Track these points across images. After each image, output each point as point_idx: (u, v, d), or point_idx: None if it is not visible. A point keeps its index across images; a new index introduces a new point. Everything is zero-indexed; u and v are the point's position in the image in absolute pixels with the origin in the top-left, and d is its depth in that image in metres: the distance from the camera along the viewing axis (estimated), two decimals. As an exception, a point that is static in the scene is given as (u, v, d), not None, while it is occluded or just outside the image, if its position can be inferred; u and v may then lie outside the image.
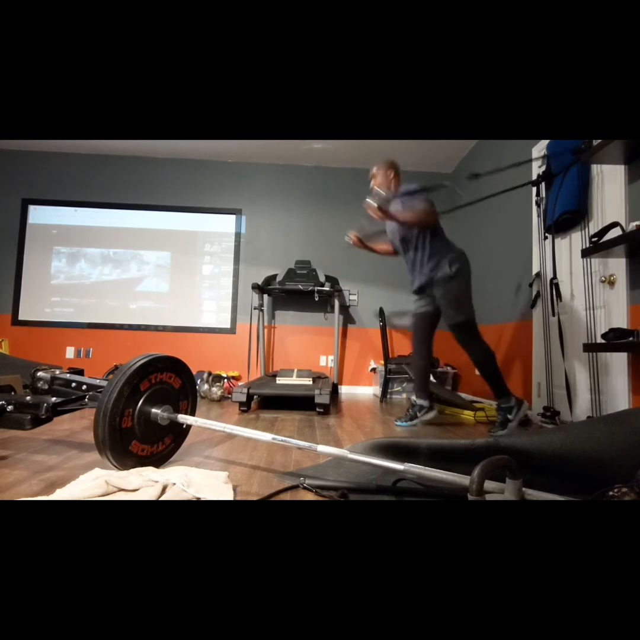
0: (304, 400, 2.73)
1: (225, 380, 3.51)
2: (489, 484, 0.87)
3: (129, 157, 4.43)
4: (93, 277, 4.39)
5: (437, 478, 1.00)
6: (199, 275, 4.44)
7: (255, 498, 1.14)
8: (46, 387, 1.65)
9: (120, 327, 4.33)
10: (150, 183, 4.45)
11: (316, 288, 3.88)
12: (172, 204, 4.43)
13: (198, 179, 4.47)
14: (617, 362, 2.00)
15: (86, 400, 1.55)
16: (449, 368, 4.04)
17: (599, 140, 1.89)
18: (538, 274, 2.67)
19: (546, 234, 2.52)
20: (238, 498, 1.14)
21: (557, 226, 2.38)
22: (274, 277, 4.10)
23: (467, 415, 2.74)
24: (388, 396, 3.78)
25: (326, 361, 4.34)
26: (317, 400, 2.64)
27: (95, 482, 1.07)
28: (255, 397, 2.94)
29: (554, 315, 2.38)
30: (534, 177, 2.67)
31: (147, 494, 1.04)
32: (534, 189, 2.64)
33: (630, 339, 1.75)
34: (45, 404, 1.40)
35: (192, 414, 1.55)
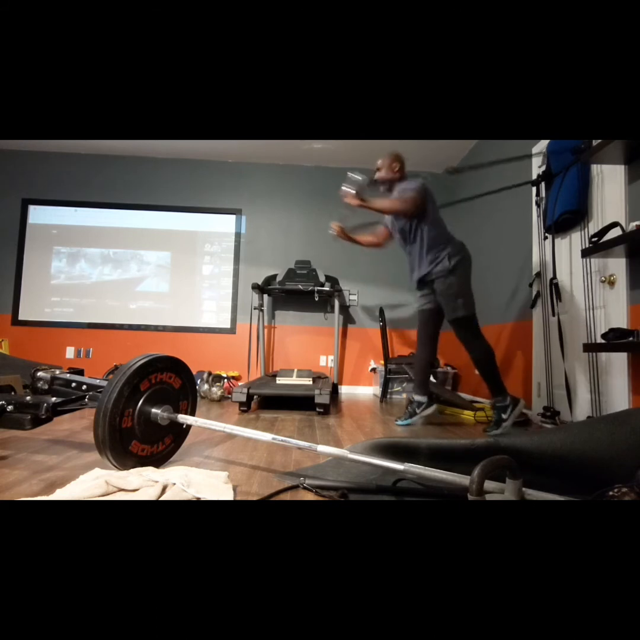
0: (304, 400, 2.73)
1: (225, 380, 3.51)
2: (489, 484, 0.87)
3: (129, 157, 4.43)
4: (93, 277, 4.39)
5: (437, 478, 1.00)
6: (199, 275, 4.44)
7: (255, 498, 1.14)
8: (46, 387, 1.65)
9: (120, 327, 4.33)
10: (150, 183, 4.45)
11: (316, 288, 3.88)
12: (172, 204, 4.43)
13: (198, 179, 4.47)
14: (617, 362, 2.00)
15: (86, 400, 1.55)
16: (449, 368, 4.04)
17: (599, 140, 1.89)
18: (538, 274, 2.67)
19: (546, 234, 2.52)
20: (238, 498, 1.14)
21: (557, 226, 2.38)
22: (274, 277, 4.10)
23: (467, 415, 2.74)
24: (388, 396, 3.78)
25: (326, 361, 4.34)
26: (317, 400, 2.64)
27: (95, 482, 1.07)
28: (255, 397, 2.94)
29: (554, 315, 2.38)
30: (534, 176, 2.67)
31: (147, 494, 1.04)
32: (534, 189, 2.64)
33: (630, 339, 1.75)
34: (45, 404, 1.40)
35: (192, 414, 1.55)
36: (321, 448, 1.19)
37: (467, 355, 2.35)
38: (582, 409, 2.24)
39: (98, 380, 1.67)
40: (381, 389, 3.67)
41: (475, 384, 3.51)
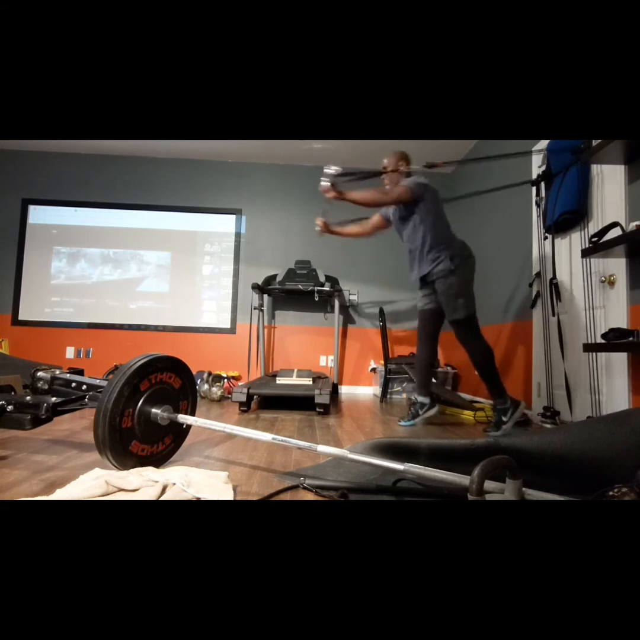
0: (304, 400, 2.73)
1: (225, 380, 3.51)
2: (489, 484, 0.87)
3: (129, 157, 4.43)
4: (94, 277, 4.39)
5: (437, 478, 1.00)
6: (199, 275, 4.44)
7: (255, 498, 1.14)
8: (46, 387, 1.65)
9: (120, 327, 4.33)
10: (150, 183, 4.45)
11: (316, 288, 3.88)
12: (172, 204, 4.43)
13: (198, 179, 4.47)
14: (617, 362, 2.00)
15: (86, 400, 1.54)
16: (449, 368, 4.04)
17: (599, 140, 1.89)
18: (538, 274, 2.67)
19: (546, 234, 2.52)
20: (238, 498, 1.14)
21: (557, 226, 2.38)
22: (274, 277, 4.10)
23: (467, 415, 2.74)
24: (388, 396, 3.78)
25: (326, 361, 4.34)
26: (317, 400, 2.64)
27: (95, 482, 1.07)
28: (255, 397, 2.94)
29: (553, 315, 2.38)
30: (534, 176, 2.67)
31: (147, 494, 1.04)
32: (534, 189, 2.64)
33: (630, 339, 1.75)
34: (45, 404, 1.40)
35: (192, 414, 1.55)
36: (321, 448, 1.19)
37: (467, 355, 2.35)
38: (582, 409, 2.24)
39: (98, 380, 1.67)
40: (381, 389, 3.67)
41: (475, 384, 3.51)
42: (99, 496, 1.04)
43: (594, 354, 2.09)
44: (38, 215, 4.39)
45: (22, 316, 4.28)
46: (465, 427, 2.45)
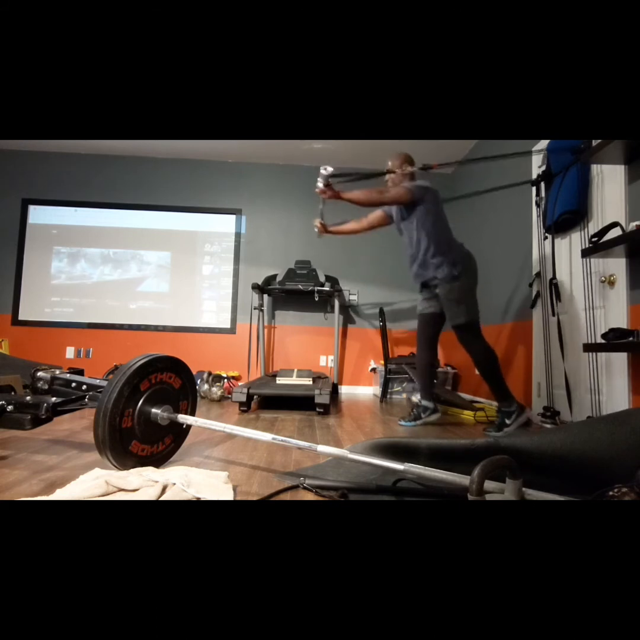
0: (304, 400, 2.73)
1: (225, 380, 3.51)
2: (489, 484, 0.87)
3: (129, 157, 4.43)
4: (94, 277, 4.39)
5: (437, 478, 1.00)
6: (199, 275, 4.44)
7: (255, 498, 1.14)
8: (46, 387, 1.65)
9: (120, 327, 4.33)
10: (150, 183, 4.45)
11: (316, 288, 3.88)
12: (172, 204, 4.43)
13: (198, 179, 4.47)
14: (617, 362, 2.00)
15: (86, 400, 1.54)
16: (449, 368, 4.04)
17: (599, 140, 1.89)
18: (538, 274, 2.67)
19: (546, 234, 2.52)
20: (238, 498, 1.14)
21: (557, 226, 2.38)
22: (274, 277, 4.10)
23: (467, 415, 2.74)
24: (388, 396, 3.78)
25: (326, 361, 4.34)
26: (317, 400, 2.64)
27: (95, 482, 1.07)
28: (255, 397, 2.94)
29: (553, 315, 2.38)
30: (534, 176, 2.67)
31: (147, 494, 1.04)
32: (534, 189, 2.64)
33: (630, 339, 1.75)
34: (45, 404, 1.40)
35: (192, 414, 1.55)
36: (321, 448, 1.19)
37: (467, 355, 2.35)
38: (582, 409, 2.24)
39: (98, 380, 1.67)
40: (381, 389, 3.67)
41: (475, 384, 3.51)
42: (99, 496, 1.04)
43: (594, 354, 2.09)
44: (38, 215, 4.39)
45: (22, 316, 4.28)
46: (465, 427, 2.45)
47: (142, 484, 1.08)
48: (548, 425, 2.27)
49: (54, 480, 1.24)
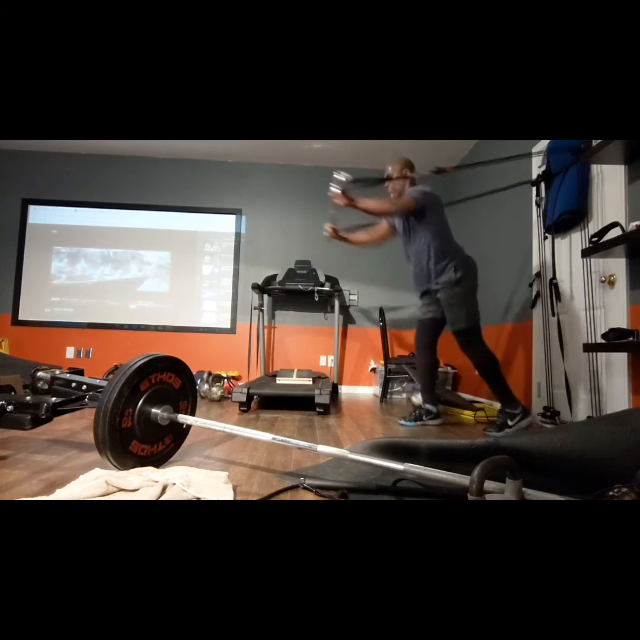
0: (304, 400, 2.73)
1: (225, 380, 3.51)
2: (489, 484, 0.87)
3: (129, 157, 4.43)
4: (95, 278, 4.39)
5: (437, 478, 1.00)
6: (199, 275, 4.45)
7: (255, 498, 1.14)
8: (46, 387, 1.65)
9: (120, 327, 4.33)
10: (150, 183, 4.45)
11: (316, 288, 3.88)
12: (172, 204, 4.43)
13: (198, 179, 4.47)
14: (617, 362, 2.00)
15: (86, 400, 1.54)
16: (449, 368, 4.04)
17: (599, 140, 1.89)
18: (538, 274, 2.67)
19: (546, 234, 2.52)
20: (238, 498, 1.14)
21: (557, 226, 2.38)
22: (274, 277, 4.10)
23: (467, 415, 2.74)
24: (388, 396, 3.78)
25: (326, 361, 4.34)
26: (317, 400, 2.64)
27: (95, 482, 1.07)
28: (255, 397, 2.94)
29: (553, 315, 2.38)
30: (534, 177, 2.67)
31: (147, 494, 1.04)
32: (534, 189, 2.64)
33: (630, 339, 1.75)
34: (45, 404, 1.40)
35: (192, 414, 1.55)
36: (321, 448, 1.19)
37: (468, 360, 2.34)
38: (582, 409, 2.24)
39: (98, 380, 1.67)
40: (381, 389, 3.67)
41: (475, 384, 3.51)
42: (99, 496, 1.04)
43: (594, 354, 2.09)
44: (38, 215, 4.39)
45: (22, 316, 4.28)
46: (465, 427, 2.45)
47: (142, 484, 1.08)
48: (548, 425, 2.27)
49: (54, 480, 1.24)
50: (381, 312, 3.80)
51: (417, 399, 2.76)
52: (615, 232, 1.84)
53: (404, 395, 3.81)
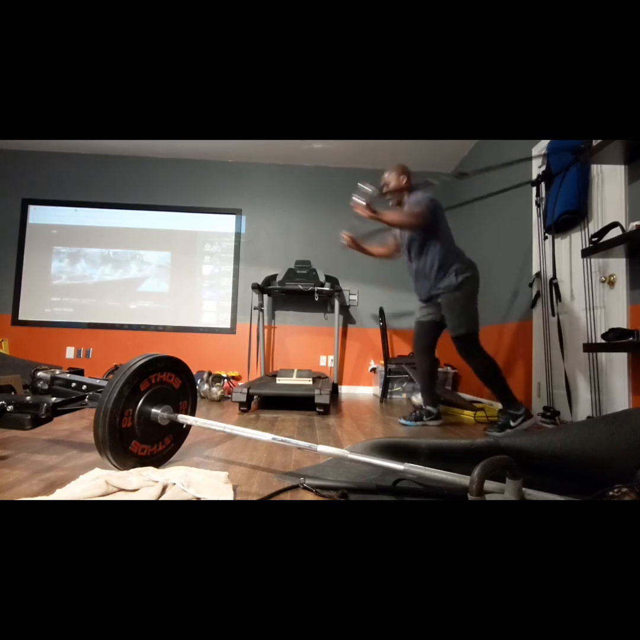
0: (304, 400, 2.73)
1: (225, 380, 3.51)
2: (489, 484, 0.87)
3: (129, 157, 4.43)
4: (95, 278, 4.39)
5: (437, 478, 1.00)
6: (199, 275, 4.45)
7: (255, 498, 1.14)
8: (46, 387, 1.65)
9: (120, 327, 4.33)
10: (150, 183, 4.45)
11: (316, 288, 3.88)
12: (172, 204, 4.43)
13: (198, 179, 4.47)
14: (617, 362, 2.00)
15: (86, 400, 1.54)
16: (449, 368, 4.03)
17: (599, 140, 1.89)
18: (538, 274, 2.67)
19: (546, 234, 2.52)
20: (238, 498, 1.14)
21: (557, 226, 2.38)
22: (274, 277, 4.10)
23: (467, 415, 2.74)
24: (388, 396, 3.78)
25: (326, 361, 4.34)
26: (317, 400, 2.64)
27: (95, 482, 1.07)
28: (255, 397, 2.94)
29: (553, 315, 2.38)
30: (534, 177, 2.67)
31: (147, 494, 1.04)
32: (534, 189, 2.64)
33: (630, 339, 1.75)
34: (45, 404, 1.40)
35: (192, 414, 1.55)
36: (321, 448, 1.19)
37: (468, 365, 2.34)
38: (582, 409, 2.24)
39: (98, 380, 1.67)
40: (381, 389, 3.67)
41: (475, 384, 3.51)
42: (99, 496, 1.04)
43: (594, 354, 2.09)
44: (38, 215, 4.39)
45: (22, 316, 4.28)
46: (465, 427, 2.45)
47: (142, 484, 1.08)
48: (548, 425, 2.27)
49: (54, 480, 1.24)
50: (381, 312, 3.80)
51: (417, 399, 2.76)
52: (615, 232, 1.84)
53: (404, 395, 3.81)
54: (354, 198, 2.07)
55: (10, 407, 1.39)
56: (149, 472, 1.19)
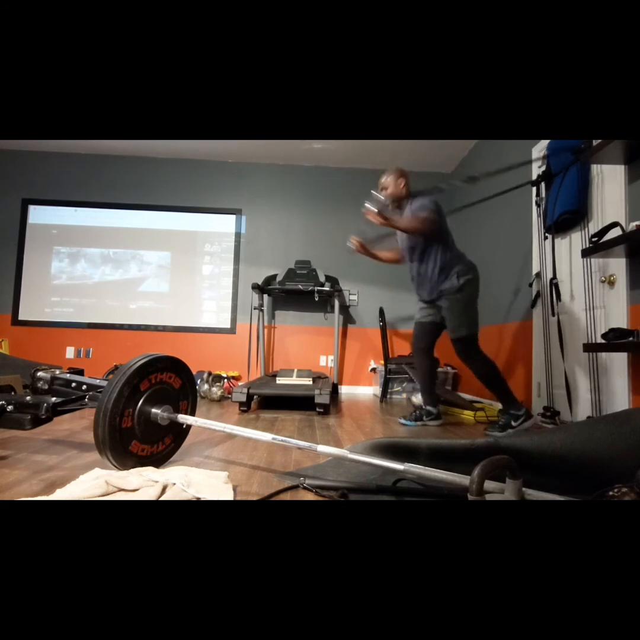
0: (304, 400, 2.73)
1: (225, 380, 3.51)
2: (489, 484, 0.87)
3: (129, 157, 4.43)
4: (95, 278, 4.39)
5: (437, 478, 1.00)
6: (199, 275, 4.45)
7: (255, 498, 1.14)
8: (46, 387, 1.65)
9: (120, 327, 4.33)
10: (150, 183, 4.45)
11: (316, 288, 3.88)
12: (172, 204, 4.43)
13: (198, 179, 4.47)
14: (617, 362, 2.00)
15: (86, 400, 1.54)
16: (449, 368, 4.03)
17: (599, 140, 1.89)
18: (538, 274, 2.67)
19: (546, 234, 2.52)
20: (238, 498, 1.14)
21: (557, 226, 2.38)
22: (274, 277, 4.10)
23: (467, 415, 2.74)
24: (388, 396, 3.78)
25: (326, 361, 4.34)
26: (317, 400, 2.64)
27: (95, 482, 1.07)
28: (255, 397, 2.94)
29: (553, 315, 2.38)
30: (534, 177, 2.67)
31: (147, 494, 1.04)
32: (534, 189, 2.64)
33: (630, 339, 1.75)
34: (45, 404, 1.40)
35: (192, 414, 1.55)
36: (321, 448, 1.19)
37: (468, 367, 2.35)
38: (582, 409, 2.24)
39: (98, 380, 1.67)
40: (381, 389, 3.67)
41: (475, 384, 3.51)
42: (99, 496, 1.04)
43: (594, 354, 2.09)
44: (38, 215, 4.39)
45: (22, 316, 4.28)
46: (465, 427, 2.45)
47: (142, 484, 1.08)
48: (548, 425, 2.27)
49: (54, 480, 1.24)
50: (381, 312, 3.80)
51: (417, 399, 2.76)
52: (615, 232, 1.84)
53: (404, 395, 3.81)
54: (366, 205, 2.12)
55: (10, 407, 1.39)
56: (149, 472, 1.19)
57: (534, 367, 2.75)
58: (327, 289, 3.89)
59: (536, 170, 2.71)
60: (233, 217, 4.47)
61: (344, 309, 4.32)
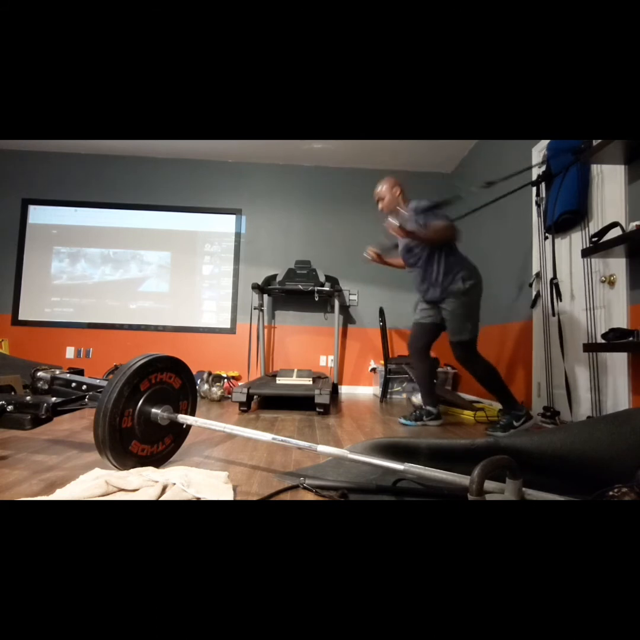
0: (304, 400, 2.73)
1: (225, 380, 3.51)
2: (489, 484, 0.87)
3: (129, 157, 4.43)
4: (95, 278, 4.39)
5: (437, 478, 1.00)
6: (199, 275, 4.45)
7: (255, 498, 1.14)
8: (46, 387, 1.65)
9: (120, 327, 4.33)
10: (150, 183, 4.45)
11: (316, 288, 3.88)
12: (172, 204, 4.43)
13: (198, 179, 4.47)
14: (617, 362, 2.00)
15: (86, 400, 1.54)
16: (449, 368, 4.03)
17: (599, 140, 1.89)
18: (538, 274, 2.67)
19: (546, 234, 2.52)
20: (238, 498, 1.14)
21: (557, 226, 2.38)
22: (274, 277, 4.10)
23: (467, 415, 2.74)
24: (388, 396, 3.78)
25: (326, 361, 4.34)
26: (317, 400, 2.64)
27: (95, 482, 1.07)
28: (255, 397, 2.94)
29: (554, 315, 2.38)
30: (534, 177, 2.67)
31: (147, 494, 1.04)
32: (534, 189, 2.64)
33: (630, 339, 1.75)
34: (45, 404, 1.40)
35: (192, 414, 1.55)
36: (321, 448, 1.19)
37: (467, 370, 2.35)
38: (582, 409, 2.24)
39: (98, 380, 1.67)
40: (381, 389, 3.67)
41: (475, 384, 3.51)
42: (99, 496, 1.04)
43: (594, 353, 2.09)
44: (38, 215, 4.39)
45: (22, 316, 4.28)
46: (465, 427, 2.45)
47: (142, 484, 1.08)
48: (548, 425, 2.27)
49: (54, 480, 1.24)
50: (381, 312, 3.80)
51: (417, 399, 2.76)
52: (615, 232, 1.84)
53: (404, 395, 3.81)
54: (389, 219, 2.20)
55: (10, 407, 1.39)
56: (149, 472, 1.19)
57: (534, 367, 2.75)
58: (327, 289, 3.89)
59: (536, 170, 2.71)
60: (233, 217, 4.47)
61: (344, 309, 4.32)
